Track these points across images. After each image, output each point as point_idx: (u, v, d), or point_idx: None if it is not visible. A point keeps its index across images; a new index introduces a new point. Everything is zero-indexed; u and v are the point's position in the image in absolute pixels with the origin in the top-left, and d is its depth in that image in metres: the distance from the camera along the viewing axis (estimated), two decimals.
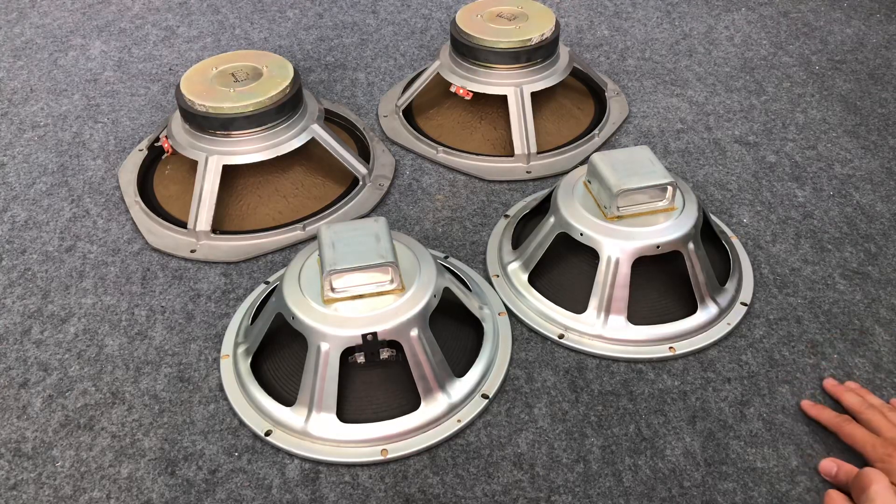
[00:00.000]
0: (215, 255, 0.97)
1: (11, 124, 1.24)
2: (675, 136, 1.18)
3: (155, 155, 1.14)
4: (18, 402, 0.81)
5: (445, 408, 0.77)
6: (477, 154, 1.12)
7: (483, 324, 0.84)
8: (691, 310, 0.85)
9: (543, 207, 0.94)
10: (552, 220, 0.88)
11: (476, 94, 1.12)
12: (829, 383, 0.79)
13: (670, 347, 0.84)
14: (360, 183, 1.06)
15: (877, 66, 1.35)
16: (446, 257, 0.96)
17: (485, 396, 0.79)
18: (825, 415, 0.76)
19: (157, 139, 1.10)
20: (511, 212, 1.02)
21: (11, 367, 0.85)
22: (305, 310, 0.74)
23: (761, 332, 0.86)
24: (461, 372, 0.79)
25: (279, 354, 0.81)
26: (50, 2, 1.61)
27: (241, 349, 0.82)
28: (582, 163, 1.09)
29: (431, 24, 1.50)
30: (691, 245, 0.83)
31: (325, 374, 0.73)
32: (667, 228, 0.83)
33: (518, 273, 0.91)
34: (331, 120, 1.19)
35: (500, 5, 1.16)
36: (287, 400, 0.77)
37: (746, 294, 0.90)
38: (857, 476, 0.66)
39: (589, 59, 1.38)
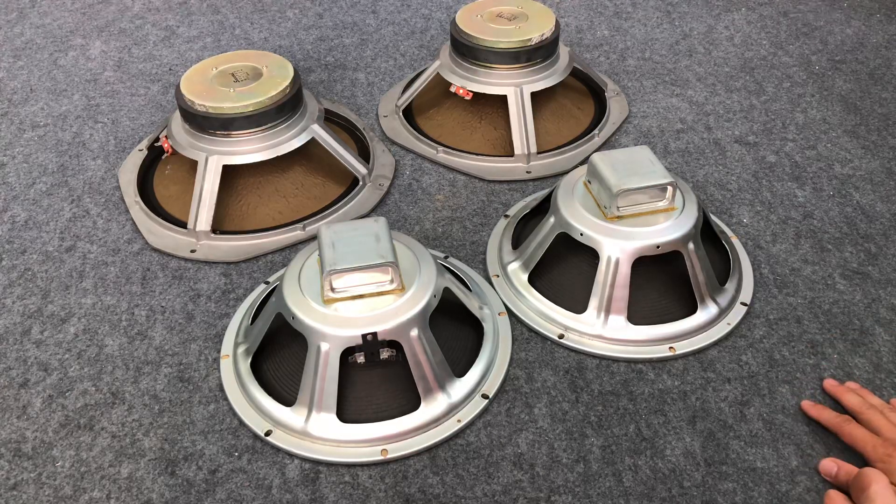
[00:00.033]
0: (215, 255, 0.97)
1: (11, 124, 1.24)
2: (675, 136, 1.18)
3: (155, 155, 1.14)
4: (18, 402, 0.81)
5: (445, 408, 0.77)
6: (477, 154, 1.12)
7: (483, 324, 0.84)
8: (691, 310, 0.85)
9: (543, 207, 0.94)
10: (552, 220, 0.88)
11: (476, 94, 1.12)
12: (830, 383, 0.79)
13: (670, 347, 0.84)
14: (360, 183, 1.06)
15: (877, 66, 1.35)
16: (446, 257, 0.96)
17: (485, 396, 0.79)
18: (825, 415, 0.76)
19: (157, 139, 1.10)
20: (511, 212, 1.02)
21: (11, 367, 0.85)
22: (305, 310, 0.74)
23: (761, 332, 0.86)
24: (461, 372, 0.79)
25: (279, 354, 0.81)
26: (50, 2, 1.61)
27: (241, 349, 0.82)
28: (582, 163, 1.09)
29: (431, 24, 1.50)
30: (691, 245, 0.83)
31: (325, 374, 0.73)
32: (667, 228, 0.83)
33: (518, 273, 0.91)
34: (331, 120, 1.19)
35: (500, 5, 1.16)
36: (287, 400, 0.77)
37: (746, 294, 0.90)
38: (857, 476, 0.66)
39: (589, 59, 1.38)
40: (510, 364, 0.83)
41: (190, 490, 0.72)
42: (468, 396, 0.79)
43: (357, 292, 0.75)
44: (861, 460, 0.71)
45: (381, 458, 0.74)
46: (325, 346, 0.73)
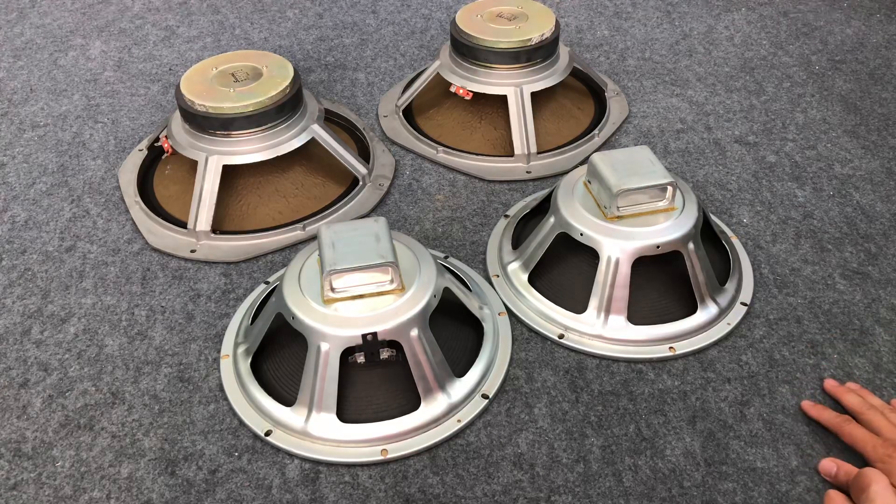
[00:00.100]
0: (215, 255, 0.97)
1: (11, 124, 1.24)
2: (675, 136, 1.18)
3: (155, 155, 1.14)
4: (18, 402, 0.81)
5: (445, 408, 0.77)
6: (477, 154, 1.12)
7: (483, 324, 0.84)
8: (691, 310, 0.85)
9: (543, 207, 0.94)
10: (552, 220, 0.88)
11: (476, 94, 1.12)
12: (830, 384, 0.79)
13: (670, 347, 0.84)
14: (360, 183, 1.06)
15: (877, 66, 1.35)
16: (446, 257, 0.96)
17: (485, 396, 0.79)
18: (825, 415, 0.76)
19: (157, 139, 1.10)
20: (511, 212, 1.02)
21: (11, 367, 0.85)
22: (305, 310, 0.74)
23: (761, 332, 0.86)
24: (461, 372, 0.79)
25: (279, 354, 0.81)
26: (50, 2, 1.61)
27: (241, 349, 0.82)
28: (582, 163, 1.09)
29: (431, 24, 1.50)
30: (691, 245, 0.83)
31: (325, 374, 0.73)
32: (667, 228, 0.83)
33: (518, 273, 0.91)
34: (331, 120, 1.19)
35: (500, 5, 1.16)
36: (287, 400, 0.77)
37: (746, 294, 0.90)
38: (856, 476, 0.66)
39: (589, 59, 1.38)
40: (510, 364, 0.83)
41: (190, 490, 0.72)
42: (468, 396, 0.79)
43: (357, 292, 0.75)
44: (861, 460, 0.71)
45: (381, 458, 0.74)
46: (325, 346, 0.73)
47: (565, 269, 0.88)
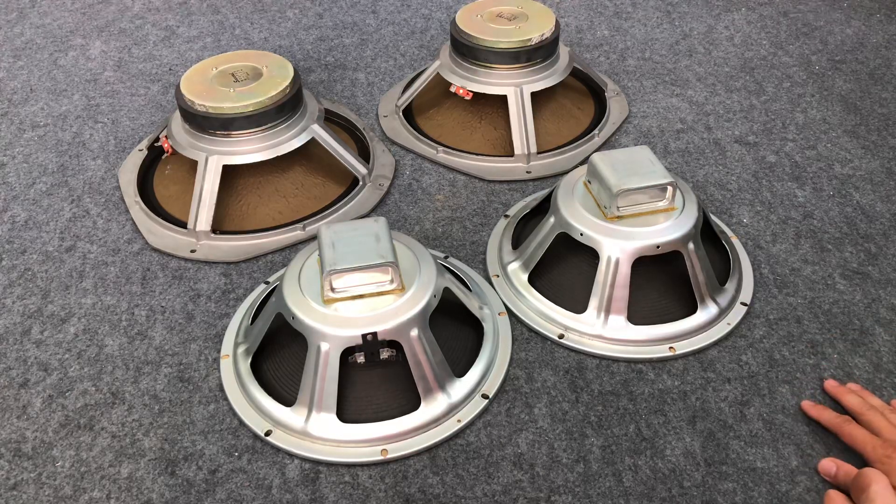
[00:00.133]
0: (215, 255, 0.97)
1: (11, 124, 1.24)
2: (675, 136, 1.18)
3: (155, 155, 1.14)
4: (18, 402, 0.81)
5: (445, 408, 0.77)
6: (477, 154, 1.12)
7: (483, 324, 0.84)
8: (691, 310, 0.85)
9: (543, 207, 0.94)
10: (552, 220, 0.88)
11: (476, 94, 1.12)
12: (830, 384, 0.79)
13: (670, 347, 0.84)
14: (360, 183, 1.06)
15: (877, 66, 1.35)
16: (446, 257, 0.96)
17: (485, 396, 0.79)
18: (825, 415, 0.76)
19: (157, 139, 1.10)
20: (511, 212, 1.02)
21: (11, 367, 0.85)
22: (305, 310, 0.74)
23: (761, 332, 0.86)
24: (461, 372, 0.79)
25: (279, 354, 0.81)
26: (50, 2, 1.61)
27: (241, 349, 0.82)
28: (582, 163, 1.09)
29: (431, 24, 1.50)
30: (691, 245, 0.83)
31: (325, 374, 0.73)
32: (667, 228, 0.83)
33: (518, 273, 0.91)
34: (331, 120, 1.19)
35: (500, 5, 1.16)
36: (287, 400, 0.77)
37: (746, 294, 0.90)
38: (856, 476, 0.66)
39: (589, 59, 1.38)
40: (510, 364, 0.83)
41: (190, 490, 0.72)
42: (468, 396, 0.79)
43: (357, 292, 0.75)
44: (861, 461, 0.71)
45: (381, 458, 0.74)
46: (325, 346, 0.73)
47: (565, 269, 0.88)
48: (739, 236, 0.98)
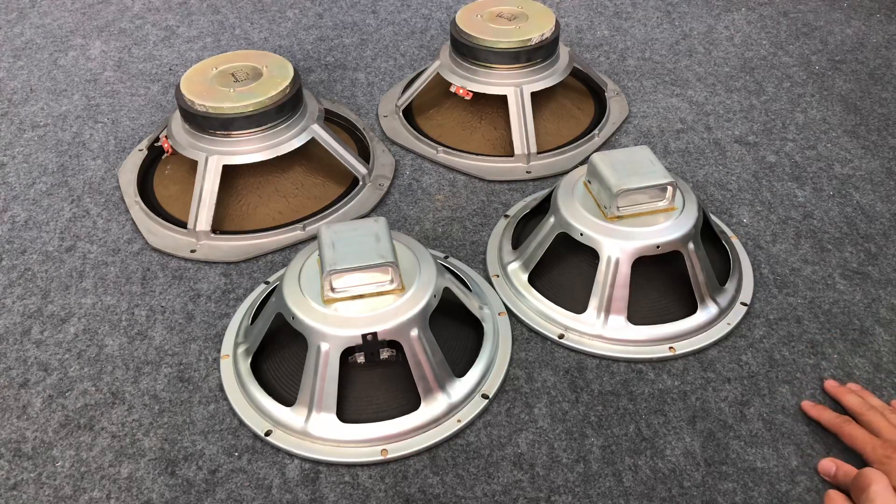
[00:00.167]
0: (215, 255, 0.97)
1: (11, 124, 1.24)
2: (675, 136, 1.18)
3: (155, 155, 1.14)
4: (18, 402, 0.81)
5: (445, 408, 0.77)
6: (477, 154, 1.12)
7: (483, 324, 0.84)
8: (691, 310, 0.85)
9: (543, 207, 0.94)
10: (552, 220, 0.88)
11: (476, 94, 1.12)
12: (830, 384, 0.79)
13: (670, 347, 0.84)
14: (360, 183, 1.06)
15: (877, 66, 1.35)
16: (446, 257, 0.96)
17: (485, 396, 0.79)
18: (825, 415, 0.76)
19: (157, 139, 1.10)
20: (511, 212, 1.02)
21: (11, 367, 0.85)
22: (305, 310, 0.74)
23: (761, 332, 0.86)
24: (461, 372, 0.79)
25: (279, 354, 0.81)
26: (50, 2, 1.61)
27: (241, 349, 0.82)
28: (582, 163, 1.09)
29: (431, 24, 1.50)
30: (691, 245, 0.83)
31: (325, 374, 0.73)
32: (667, 228, 0.83)
33: (518, 273, 0.91)
34: (331, 120, 1.19)
35: (500, 5, 1.16)
36: (287, 400, 0.77)
37: (746, 294, 0.90)
38: (856, 476, 0.66)
39: (589, 59, 1.38)
40: (510, 364, 0.83)
41: (190, 490, 0.72)
42: (468, 396, 0.79)
43: (357, 292, 0.75)
44: (861, 461, 0.71)
45: (381, 458, 0.74)
46: (325, 346, 0.73)
47: (565, 269, 0.88)
48: (739, 236, 0.98)
